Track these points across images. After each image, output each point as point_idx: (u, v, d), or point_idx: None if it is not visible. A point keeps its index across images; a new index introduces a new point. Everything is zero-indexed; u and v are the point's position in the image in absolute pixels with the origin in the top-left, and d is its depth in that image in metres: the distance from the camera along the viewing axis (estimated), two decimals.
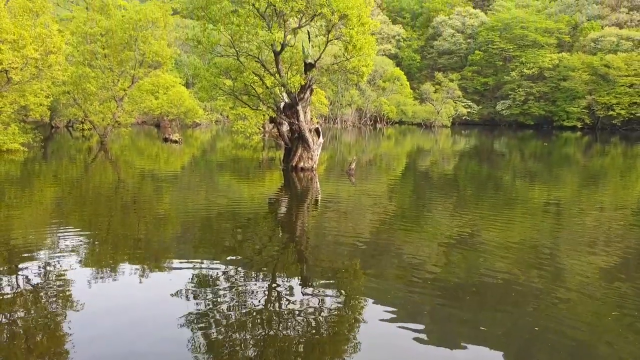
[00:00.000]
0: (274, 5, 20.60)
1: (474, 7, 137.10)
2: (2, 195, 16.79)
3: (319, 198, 19.05)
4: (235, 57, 22.76)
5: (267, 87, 23.68)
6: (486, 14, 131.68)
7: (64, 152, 32.39)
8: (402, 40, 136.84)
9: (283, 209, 17.15)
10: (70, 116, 43.11)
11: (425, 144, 57.53)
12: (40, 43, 17.78)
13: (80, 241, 11.57)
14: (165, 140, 41.47)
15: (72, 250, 10.68)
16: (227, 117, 69.39)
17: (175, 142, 40.40)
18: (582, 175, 30.10)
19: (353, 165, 24.68)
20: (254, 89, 23.87)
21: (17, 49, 16.66)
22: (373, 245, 12.25)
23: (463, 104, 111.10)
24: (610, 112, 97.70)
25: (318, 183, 22.25)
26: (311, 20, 22.28)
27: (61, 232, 12.36)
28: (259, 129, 46.51)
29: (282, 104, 24.12)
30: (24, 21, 18.98)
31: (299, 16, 22.24)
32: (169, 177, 24.02)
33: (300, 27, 22.67)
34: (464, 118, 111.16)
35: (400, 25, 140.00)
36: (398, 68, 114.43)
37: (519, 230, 14.33)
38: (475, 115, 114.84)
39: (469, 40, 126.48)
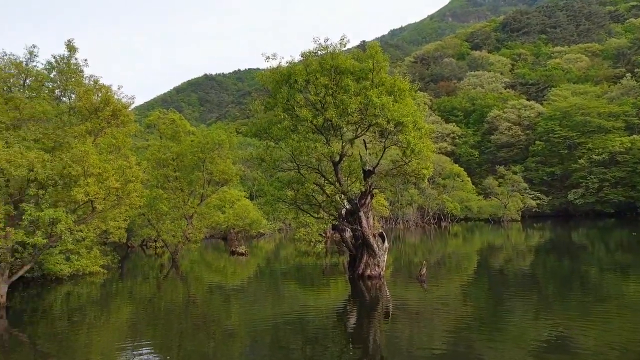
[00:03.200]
0: (330, 121, 21.81)
1: (527, 99, 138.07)
2: (83, 317, 17.53)
3: (390, 307, 18.36)
4: (296, 170, 23.84)
5: (328, 195, 24.29)
6: (542, 104, 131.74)
7: (139, 271, 33.85)
8: (457, 137, 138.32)
9: (352, 320, 16.62)
10: (144, 236, 45.69)
11: (495, 240, 55.31)
12: (121, 174, 19.71)
13: None
14: (232, 253, 42.53)
15: None
16: (290, 224, 70.88)
17: (242, 254, 41.29)
18: None
19: (424, 271, 23.78)
20: (315, 198, 24.54)
21: (101, 181, 18.53)
22: (451, 357, 11.36)
23: (531, 196, 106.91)
24: None
25: (387, 290, 21.56)
26: (367, 130, 23.26)
27: (135, 352, 12.56)
28: (321, 235, 47.01)
29: (343, 211, 24.45)
30: (107, 156, 21.39)
31: (354, 127, 23.33)
32: (236, 289, 24.28)
33: (356, 137, 23.66)
34: (534, 210, 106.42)
35: (454, 123, 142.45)
36: (457, 165, 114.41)
37: (618, 332, 12.81)
38: (546, 207, 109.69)
39: (527, 132, 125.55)
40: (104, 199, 18.97)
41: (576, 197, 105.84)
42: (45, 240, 18.44)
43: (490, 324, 14.90)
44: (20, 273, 19.39)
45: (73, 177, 18.28)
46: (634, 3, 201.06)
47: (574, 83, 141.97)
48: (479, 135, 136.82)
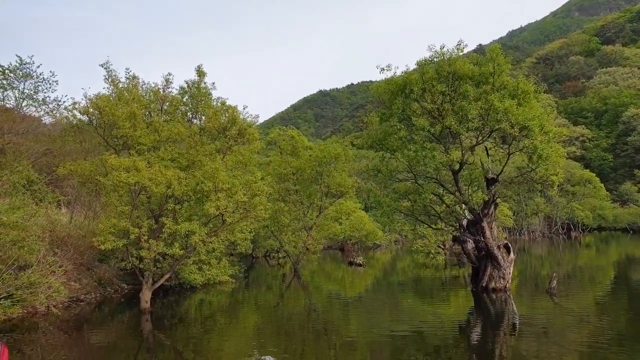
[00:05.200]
0: (449, 128, 21.17)
1: None
2: (214, 323, 18.83)
3: (516, 321, 17.30)
4: (413, 181, 23.46)
5: (447, 206, 23.54)
6: None
7: (262, 280, 35.56)
8: (587, 140, 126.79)
9: (476, 334, 15.88)
10: (268, 247, 48.00)
11: (636, 251, 49.50)
12: (248, 188, 21.03)
13: None
14: (350, 263, 42.95)
15: None
16: (405, 236, 69.88)
17: (360, 265, 41.55)
18: None
19: (554, 283, 22.17)
20: (433, 209, 23.91)
21: (230, 196, 19.92)
22: None
23: None
24: None
25: (513, 304, 20.33)
26: (489, 136, 22.23)
27: (261, 358, 13.18)
28: (439, 247, 45.61)
29: (464, 221, 23.54)
30: (235, 172, 22.95)
31: (475, 134, 22.43)
32: (354, 299, 24.44)
33: (477, 144, 22.71)
34: None
35: (583, 125, 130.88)
36: (587, 170, 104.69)
37: None
38: None
39: None
40: (233, 212, 20.32)
41: None
42: (182, 251, 20.18)
43: (633, 342, 13.40)
44: (161, 281, 21.37)
45: (205, 193, 19.85)
46: None
47: None
48: (612, 138, 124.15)
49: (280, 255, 47.35)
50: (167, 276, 21.46)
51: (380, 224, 44.77)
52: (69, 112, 26.11)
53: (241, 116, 27.77)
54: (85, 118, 25.70)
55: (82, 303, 21.90)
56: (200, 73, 27.96)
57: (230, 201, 19.82)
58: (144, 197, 21.06)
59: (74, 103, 25.48)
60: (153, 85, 28.51)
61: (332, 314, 20.84)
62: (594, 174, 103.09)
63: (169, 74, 28.31)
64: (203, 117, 28.36)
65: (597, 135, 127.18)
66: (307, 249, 37.44)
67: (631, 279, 28.45)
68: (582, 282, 28.12)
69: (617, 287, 25.32)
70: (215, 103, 28.38)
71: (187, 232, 19.72)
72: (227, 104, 28.22)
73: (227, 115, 27.07)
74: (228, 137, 26.83)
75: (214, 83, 28.35)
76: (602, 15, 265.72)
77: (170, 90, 28.47)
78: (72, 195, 30.75)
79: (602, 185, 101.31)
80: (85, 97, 25.35)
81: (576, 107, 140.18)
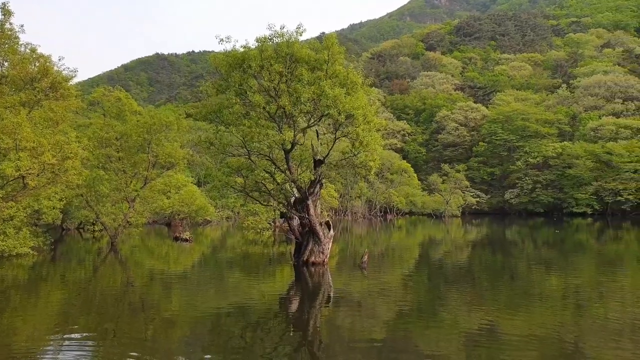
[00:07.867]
0: (284, 108, 21.58)
1: (475, 102, 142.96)
2: (7, 301, 16.47)
3: (331, 294, 18.55)
4: (247, 157, 23.45)
5: (278, 184, 24.08)
6: (487, 107, 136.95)
7: (73, 254, 32.29)
8: (407, 134, 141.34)
9: (294, 307, 16.59)
10: (82, 218, 43.68)
11: (436, 234, 57.03)
12: (58, 149, 18.59)
13: (85, 347, 11.11)
14: (176, 239, 41.44)
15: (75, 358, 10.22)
16: (238, 213, 70.15)
17: (186, 240, 40.32)
18: (598, 262, 29.52)
19: (365, 258, 24.44)
20: (265, 186, 24.27)
21: (35, 156, 17.38)
22: (390, 344, 11.68)
23: (471, 194, 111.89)
24: (619, 198, 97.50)
25: (330, 278, 21.79)
26: (319, 120, 23.23)
27: (66, 338, 11.90)
28: (270, 224, 46.71)
29: (292, 199, 24.39)
30: (43, 130, 20.10)
31: (307, 117, 23.21)
32: (178, 276, 23.64)
33: (309, 126, 23.57)
34: (473, 207, 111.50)
35: (405, 121, 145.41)
36: (405, 161, 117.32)
37: (539, 321, 13.80)
38: (485, 205, 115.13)
39: (472, 133, 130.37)
40: (38, 175, 17.85)
41: (512, 196, 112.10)
42: None
43: (427, 312, 15.42)
44: None
45: (2, 150, 17.05)
46: (574, 19, 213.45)
47: (517, 89, 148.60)
48: (427, 134, 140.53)
49: (96, 228, 43.54)
50: None
51: (211, 198, 44.05)
52: None
53: (55, 68, 24.35)
54: None
55: None
56: (5, 12, 23.51)
57: (34, 162, 17.35)
58: None
59: None
60: None
61: (152, 290, 19.85)
62: (410, 165, 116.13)
63: None
64: (6, 64, 24.06)
65: (416, 131, 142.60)
66: (128, 222, 34.98)
67: (431, 258, 32.66)
68: (393, 260, 31.34)
69: (419, 265, 28.79)
70: (23, 49, 24.32)
71: None
72: (39, 52, 24.46)
73: (37, 64, 23.45)
74: (37, 89, 23.30)
75: (22, 26, 24.11)
76: (428, 24, 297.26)
77: None
78: None
79: (416, 175, 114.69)
80: None
81: (400, 104, 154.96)
